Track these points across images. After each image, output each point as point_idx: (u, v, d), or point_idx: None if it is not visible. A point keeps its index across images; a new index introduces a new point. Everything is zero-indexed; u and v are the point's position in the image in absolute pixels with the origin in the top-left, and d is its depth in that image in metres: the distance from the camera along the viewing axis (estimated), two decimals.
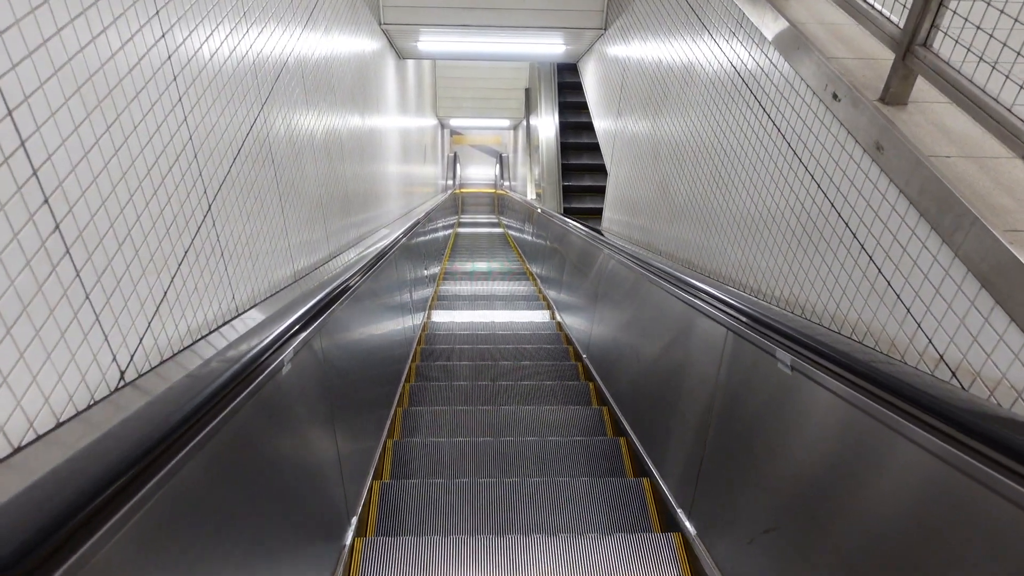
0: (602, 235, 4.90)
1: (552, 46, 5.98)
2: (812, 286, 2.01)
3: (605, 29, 5.28)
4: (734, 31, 2.63)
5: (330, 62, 3.47)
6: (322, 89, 3.26)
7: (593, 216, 9.83)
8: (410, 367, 4.47)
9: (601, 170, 10.27)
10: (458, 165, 21.13)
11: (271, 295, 2.26)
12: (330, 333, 2.34)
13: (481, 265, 9.94)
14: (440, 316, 6.33)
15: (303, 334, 1.91)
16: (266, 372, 1.58)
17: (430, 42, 5.98)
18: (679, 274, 2.61)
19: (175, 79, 1.59)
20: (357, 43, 4.37)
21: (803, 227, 2.08)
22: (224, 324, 1.85)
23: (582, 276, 4.91)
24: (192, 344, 1.65)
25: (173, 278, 1.57)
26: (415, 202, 8.62)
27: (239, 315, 1.94)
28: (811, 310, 2.02)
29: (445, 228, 12.20)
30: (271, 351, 1.57)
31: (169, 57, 1.56)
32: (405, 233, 4.91)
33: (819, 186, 1.99)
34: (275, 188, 2.40)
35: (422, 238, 7.20)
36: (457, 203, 19.16)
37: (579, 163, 10.28)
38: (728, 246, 2.68)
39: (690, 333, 2.57)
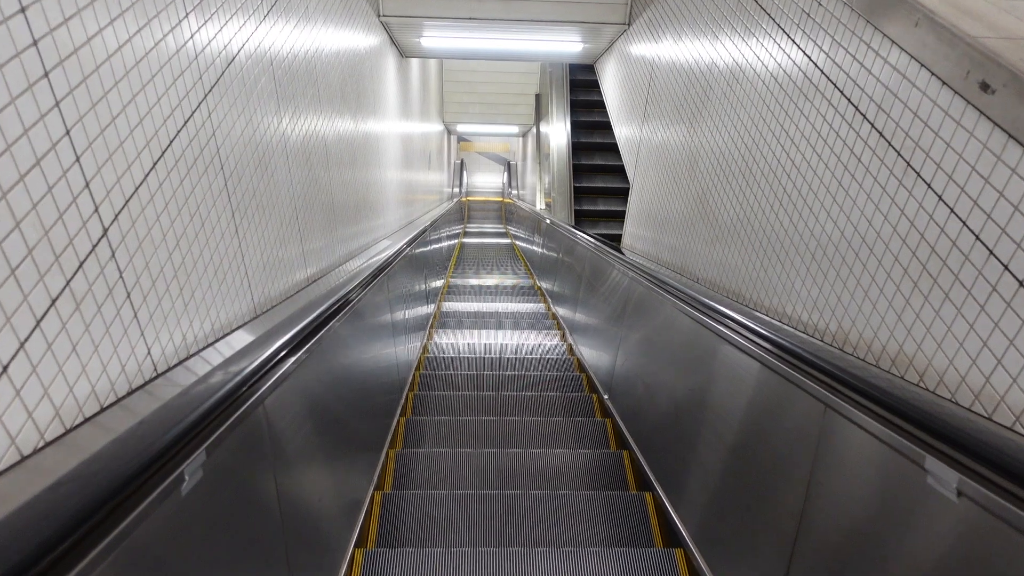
0: (622, 253, 4.37)
1: (568, 44, 5.47)
2: (940, 346, 1.47)
3: (629, 24, 4.77)
4: (809, 12, 2.10)
5: (313, 54, 2.96)
6: (300, 84, 2.74)
7: (605, 221, 9.29)
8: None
9: (616, 181, 9.76)
10: (465, 172, 20.67)
11: (212, 342, 1.73)
12: (281, 404, 1.81)
13: (487, 279, 9.42)
14: (442, 339, 5.80)
15: (236, 413, 1.38)
16: (162, 486, 1.05)
17: (435, 38, 5.47)
18: (759, 328, 2.05)
19: (35, 45, 1.06)
20: (350, 35, 3.86)
21: (923, 266, 1.54)
22: (125, 396, 1.32)
23: (601, 301, 4.38)
24: (60, 439, 1.13)
25: (24, 343, 1.04)
26: (417, 212, 8.12)
27: (149, 381, 1.41)
28: (934, 377, 1.48)
29: (450, 238, 11.70)
30: (170, 455, 1.04)
31: (23, 8, 1.04)
32: (403, 249, 4.39)
33: (952, 210, 1.46)
34: (226, 201, 1.88)
35: (425, 250, 6.70)
36: (463, 211, 18.67)
37: (591, 170, 9.76)
38: (796, 279, 2.14)
39: (767, 403, 2.03)
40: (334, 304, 2.29)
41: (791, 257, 2.18)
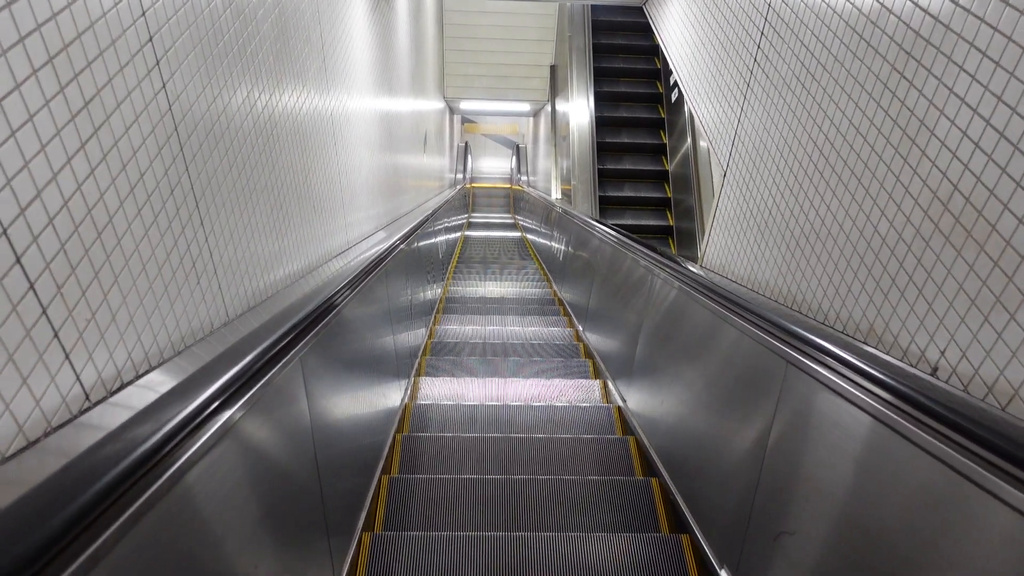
0: (686, 268, 2.78)
1: None
2: None
3: None
4: None
5: None
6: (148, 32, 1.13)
7: (633, 208, 7.69)
8: None
9: (648, 163, 8.08)
10: (469, 157, 18.99)
11: None
12: None
13: (494, 288, 7.80)
14: (431, 395, 4.21)
15: None
16: None
17: None
18: None
19: None
20: None
21: None
22: None
23: (688, 368, 2.78)
24: None
25: None
26: (408, 203, 6.50)
27: None
28: None
29: (450, 231, 10.09)
30: None
31: None
32: (366, 274, 2.78)
33: None
34: None
35: (416, 253, 5.11)
36: (467, 200, 17.04)
37: (617, 144, 8.14)
38: None
39: None
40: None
41: None
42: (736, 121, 2.82)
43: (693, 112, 3.42)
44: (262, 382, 1.46)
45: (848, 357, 1.46)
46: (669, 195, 7.77)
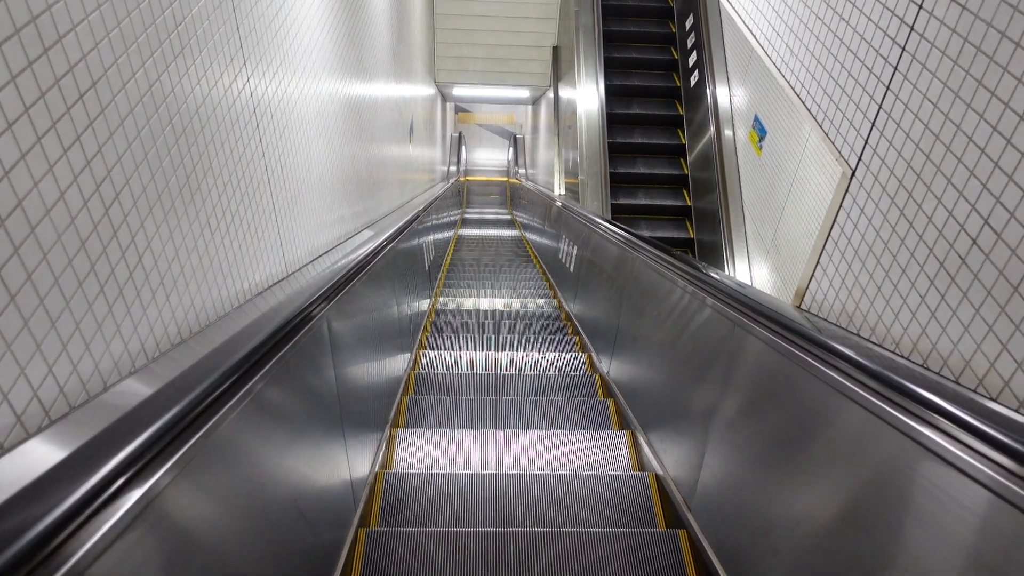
0: (771, 314, 1.76)
1: None
2: None
3: None
4: None
5: None
6: None
7: (649, 218, 6.68)
8: None
9: (665, 166, 7.00)
10: (463, 148, 17.89)
11: None
12: None
13: (490, 302, 6.76)
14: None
15: None
16: None
17: None
18: None
19: None
20: None
21: None
22: None
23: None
24: None
25: None
26: (388, 203, 5.44)
27: None
28: None
29: (441, 230, 9.04)
30: None
31: None
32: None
33: None
34: None
35: (394, 263, 4.10)
36: (461, 194, 15.96)
37: (630, 146, 7.10)
38: None
39: None
40: None
41: None
42: (880, 89, 1.77)
43: (780, 76, 2.37)
44: None
45: None
46: (689, 203, 6.76)
